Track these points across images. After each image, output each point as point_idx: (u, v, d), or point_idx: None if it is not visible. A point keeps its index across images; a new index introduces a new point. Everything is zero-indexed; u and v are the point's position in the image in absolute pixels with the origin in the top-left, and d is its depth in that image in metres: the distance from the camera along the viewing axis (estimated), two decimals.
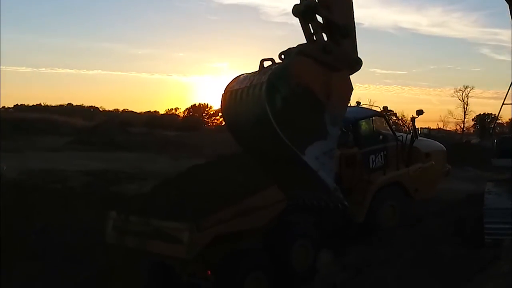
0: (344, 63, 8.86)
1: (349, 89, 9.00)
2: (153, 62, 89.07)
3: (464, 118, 64.78)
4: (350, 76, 9.13)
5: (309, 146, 8.27)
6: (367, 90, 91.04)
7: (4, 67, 77.47)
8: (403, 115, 55.67)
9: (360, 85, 66.99)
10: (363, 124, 11.26)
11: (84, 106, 70.05)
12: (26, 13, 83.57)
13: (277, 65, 8.48)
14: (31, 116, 35.90)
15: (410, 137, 11.62)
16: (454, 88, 71.49)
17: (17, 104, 63.50)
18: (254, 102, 8.24)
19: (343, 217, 9.86)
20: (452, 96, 73.12)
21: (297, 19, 8.97)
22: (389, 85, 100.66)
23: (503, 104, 10.91)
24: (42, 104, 60.58)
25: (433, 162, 11.95)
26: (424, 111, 11.31)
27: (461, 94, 64.58)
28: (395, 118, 59.01)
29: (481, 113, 65.31)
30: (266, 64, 8.64)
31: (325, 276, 7.86)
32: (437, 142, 13.35)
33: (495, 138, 11.44)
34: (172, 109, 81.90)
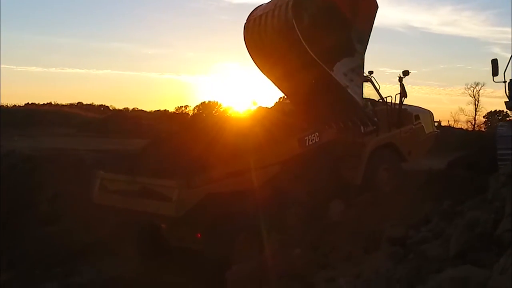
0: None
1: (375, 6, 8.83)
2: (162, 62, 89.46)
3: (475, 115, 64.29)
4: None
5: (337, 63, 8.22)
6: None
7: (14, 67, 78.17)
8: None
9: (369, 84, 66.44)
10: None
11: (94, 105, 70.48)
12: (35, 14, 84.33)
13: None
14: (42, 109, 36.26)
15: (399, 98, 11.77)
16: (465, 85, 70.91)
17: (28, 103, 64.18)
18: (280, 22, 7.99)
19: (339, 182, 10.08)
20: (462, 93, 72.73)
21: None
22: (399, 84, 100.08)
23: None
24: (53, 103, 61.04)
25: (423, 124, 12.22)
26: (410, 71, 11.48)
27: (472, 90, 64.13)
28: None
29: (492, 110, 64.73)
30: None
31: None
32: (423, 108, 13.64)
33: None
34: (182, 107, 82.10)
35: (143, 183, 7.27)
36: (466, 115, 64.07)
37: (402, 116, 11.74)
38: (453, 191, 6.17)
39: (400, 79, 11.65)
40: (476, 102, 63.87)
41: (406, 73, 11.42)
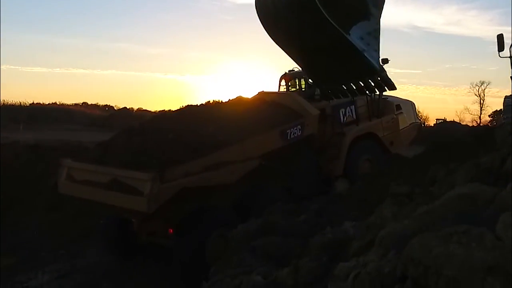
0: None
1: None
2: (166, 62, 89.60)
3: (481, 113, 64.02)
4: None
5: (354, 27, 8.01)
6: None
7: (19, 67, 78.53)
8: (419, 111, 55.31)
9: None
10: None
11: (99, 105, 70.79)
12: (39, 14, 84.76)
13: None
14: (47, 107, 36.37)
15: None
16: (470, 84, 70.58)
17: (33, 102, 64.63)
18: None
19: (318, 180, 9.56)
20: (468, 92, 72.48)
21: None
22: (404, 84, 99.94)
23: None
24: (58, 103, 61.36)
25: (404, 114, 11.84)
26: (389, 59, 11.02)
27: (477, 89, 63.87)
28: None
29: (498, 109, 64.39)
30: None
31: None
32: (406, 99, 13.37)
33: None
34: (187, 105, 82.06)
35: (113, 175, 6.66)
36: (471, 114, 63.83)
37: (383, 106, 11.42)
38: (460, 156, 6.07)
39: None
40: (482, 101, 63.62)
41: (385, 61, 10.73)
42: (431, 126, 35.46)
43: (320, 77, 9.05)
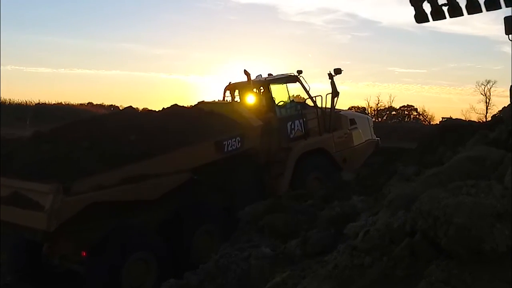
0: None
1: None
2: (171, 62, 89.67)
3: (487, 112, 63.88)
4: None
5: None
6: (386, 89, 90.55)
7: (23, 67, 78.83)
8: (424, 110, 55.38)
9: (379, 84, 66.16)
10: (275, 89, 10.05)
11: (104, 105, 71.18)
12: (43, 15, 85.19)
13: None
14: (53, 107, 36.46)
15: (331, 97, 10.30)
16: (476, 83, 70.48)
17: (39, 102, 65.10)
18: None
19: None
20: (474, 91, 72.35)
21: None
22: (409, 83, 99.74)
23: None
24: (63, 103, 61.74)
25: (359, 129, 10.89)
26: (342, 69, 10.15)
27: (483, 88, 63.82)
28: (416, 113, 59.21)
29: (504, 107, 64.07)
30: None
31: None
32: (360, 113, 12.56)
33: None
34: (191, 105, 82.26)
35: (14, 187, 5.77)
36: (477, 113, 63.67)
37: (335, 120, 10.35)
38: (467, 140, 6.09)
39: (331, 77, 10.18)
40: (487, 100, 63.46)
41: (337, 71, 10.08)
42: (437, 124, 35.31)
43: None
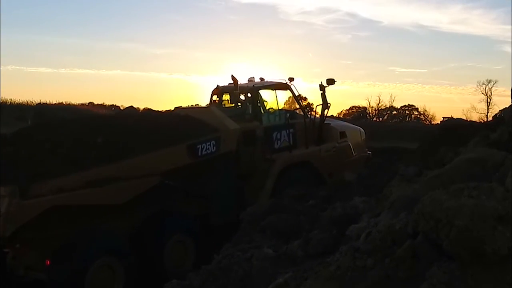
0: None
1: None
2: (171, 62, 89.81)
3: (488, 112, 63.94)
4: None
5: None
6: (387, 89, 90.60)
7: (24, 67, 79.08)
8: (425, 109, 55.43)
9: (380, 83, 66.10)
10: (264, 96, 9.71)
11: (105, 105, 71.32)
12: (44, 14, 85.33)
13: None
14: (54, 107, 36.53)
15: (321, 109, 9.87)
16: (477, 82, 70.50)
17: (40, 102, 65.29)
18: None
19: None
20: (475, 90, 72.45)
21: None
22: (410, 83, 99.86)
23: None
24: (64, 103, 61.87)
25: (349, 143, 10.35)
26: (335, 80, 9.71)
27: (484, 88, 63.87)
28: (416, 113, 59.28)
29: (505, 107, 64.02)
30: None
31: None
32: (354, 125, 11.75)
33: None
34: (193, 105, 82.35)
35: None
36: (478, 112, 63.76)
37: (324, 132, 9.87)
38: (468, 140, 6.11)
39: (322, 88, 9.68)
40: (489, 100, 63.56)
41: (330, 82, 9.61)
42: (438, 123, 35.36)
43: None
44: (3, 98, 34.29)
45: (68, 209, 5.72)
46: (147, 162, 6.49)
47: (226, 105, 9.81)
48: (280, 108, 9.93)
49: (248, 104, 9.25)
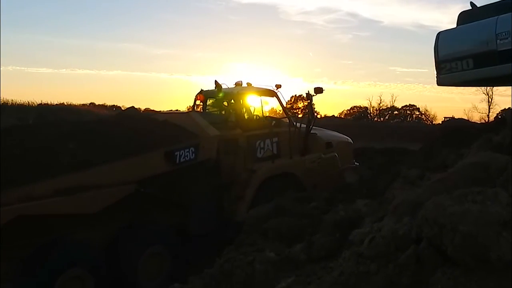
0: None
1: None
2: (172, 62, 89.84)
3: (489, 111, 63.88)
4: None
5: None
6: (388, 88, 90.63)
7: (25, 68, 79.12)
8: (426, 109, 55.38)
9: (381, 83, 66.08)
10: (248, 102, 9.28)
11: (106, 105, 71.41)
12: (44, 15, 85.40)
13: None
14: (55, 107, 36.47)
15: (307, 120, 9.56)
16: None
17: (41, 103, 65.35)
18: None
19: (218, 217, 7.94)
20: (476, 90, 72.26)
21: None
22: (411, 83, 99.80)
23: None
24: (65, 103, 61.92)
25: (336, 154, 10.00)
26: (324, 89, 9.41)
27: (485, 87, 63.70)
28: (418, 113, 59.26)
29: (506, 108, 64.00)
30: None
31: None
32: (342, 134, 11.33)
33: None
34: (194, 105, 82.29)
35: None
36: (479, 112, 63.71)
37: (309, 142, 9.58)
38: (471, 142, 6.10)
39: (309, 97, 9.47)
40: (490, 99, 63.50)
41: (318, 90, 9.38)
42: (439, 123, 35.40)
43: None
44: (3, 99, 34.22)
45: (37, 219, 5.47)
46: (122, 169, 6.24)
47: (210, 110, 9.47)
48: (265, 115, 9.60)
49: (231, 110, 8.92)
